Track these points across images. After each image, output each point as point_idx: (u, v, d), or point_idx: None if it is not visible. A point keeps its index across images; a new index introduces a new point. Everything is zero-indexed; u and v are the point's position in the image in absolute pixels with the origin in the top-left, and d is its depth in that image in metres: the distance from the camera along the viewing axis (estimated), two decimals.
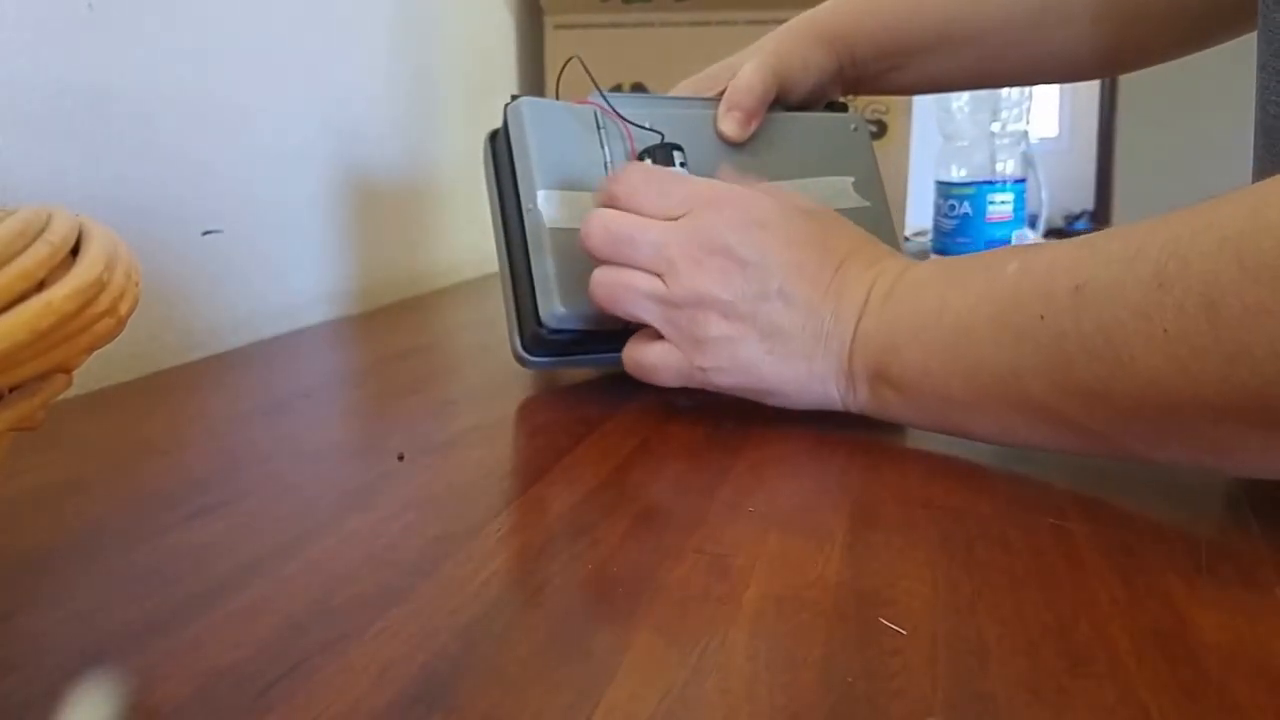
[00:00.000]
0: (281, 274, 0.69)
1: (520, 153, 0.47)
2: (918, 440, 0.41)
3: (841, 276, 0.39)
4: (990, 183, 0.97)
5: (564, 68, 0.53)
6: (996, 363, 0.32)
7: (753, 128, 0.52)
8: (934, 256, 0.93)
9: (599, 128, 0.49)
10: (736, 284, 0.39)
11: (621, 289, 0.41)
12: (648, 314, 0.41)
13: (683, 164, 0.47)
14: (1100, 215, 2.79)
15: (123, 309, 0.24)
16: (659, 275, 0.40)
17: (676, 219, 0.40)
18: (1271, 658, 0.23)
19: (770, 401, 0.41)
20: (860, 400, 0.39)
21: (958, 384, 0.34)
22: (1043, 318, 0.30)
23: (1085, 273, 0.30)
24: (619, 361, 0.50)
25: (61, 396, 0.24)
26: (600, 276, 0.41)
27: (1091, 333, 0.29)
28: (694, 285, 0.39)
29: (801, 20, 0.57)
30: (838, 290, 0.39)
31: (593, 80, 0.49)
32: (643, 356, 0.42)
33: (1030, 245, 0.36)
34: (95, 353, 0.24)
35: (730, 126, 0.51)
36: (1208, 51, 0.55)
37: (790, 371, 0.39)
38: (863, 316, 0.38)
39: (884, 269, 0.39)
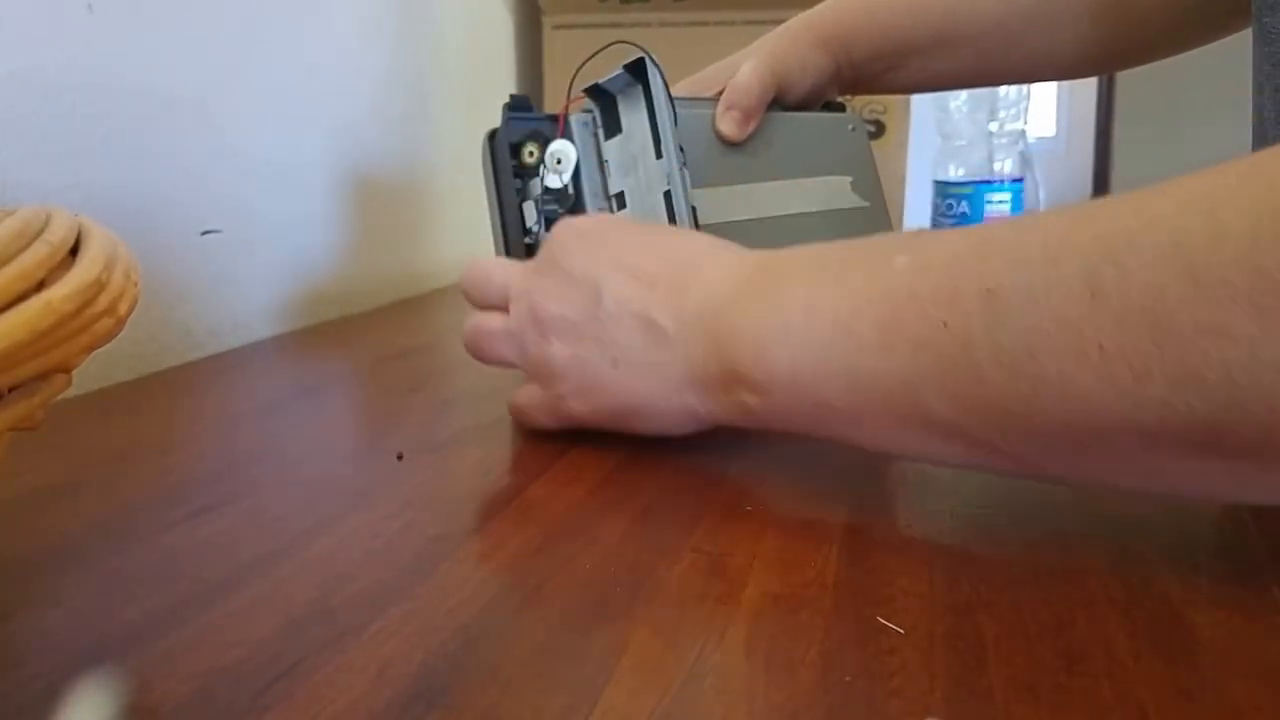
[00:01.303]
0: (281, 274, 0.69)
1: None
2: None
3: (685, 274, 0.35)
4: (988, 182, 0.97)
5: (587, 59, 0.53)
6: (885, 372, 0.28)
7: (751, 127, 0.52)
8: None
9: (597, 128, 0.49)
10: (571, 299, 0.37)
11: (478, 334, 0.40)
12: (507, 352, 0.39)
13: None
14: None
15: (122, 309, 0.24)
16: (506, 310, 0.39)
17: None
18: (1269, 657, 0.23)
19: (635, 426, 0.37)
20: (720, 409, 0.34)
21: (835, 392, 0.30)
22: (946, 325, 0.26)
23: (997, 274, 0.25)
24: None
25: (61, 396, 0.24)
26: (465, 327, 0.41)
27: (1009, 346, 0.25)
28: (531, 308, 0.38)
29: (799, 21, 0.57)
30: (681, 288, 0.35)
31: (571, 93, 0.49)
32: (515, 399, 0.41)
33: (916, 234, 0.32)
34: (95, 353, 0.24)
35: (728, 126, 0.51)
36: (1204, 51, 0.55)
37: (642, 386, 0.35)
38: (715, 314, 0.33)
39: (738, 262, 0.35)
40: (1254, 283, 0.21)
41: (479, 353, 0.41)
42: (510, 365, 0.40)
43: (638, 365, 0.35)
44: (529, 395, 0.40)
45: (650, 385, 0.35)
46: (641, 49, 0.46)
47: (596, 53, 0.50)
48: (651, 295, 0.35)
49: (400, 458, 0.38)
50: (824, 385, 0.30)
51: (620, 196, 0.47)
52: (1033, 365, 0.24)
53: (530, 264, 0.39)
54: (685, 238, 0.39)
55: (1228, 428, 0.22)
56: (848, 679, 0.23)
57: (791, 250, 0.34)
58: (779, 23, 0.58)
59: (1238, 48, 0.51)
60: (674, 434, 0.37)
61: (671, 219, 0.45)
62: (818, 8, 0.58)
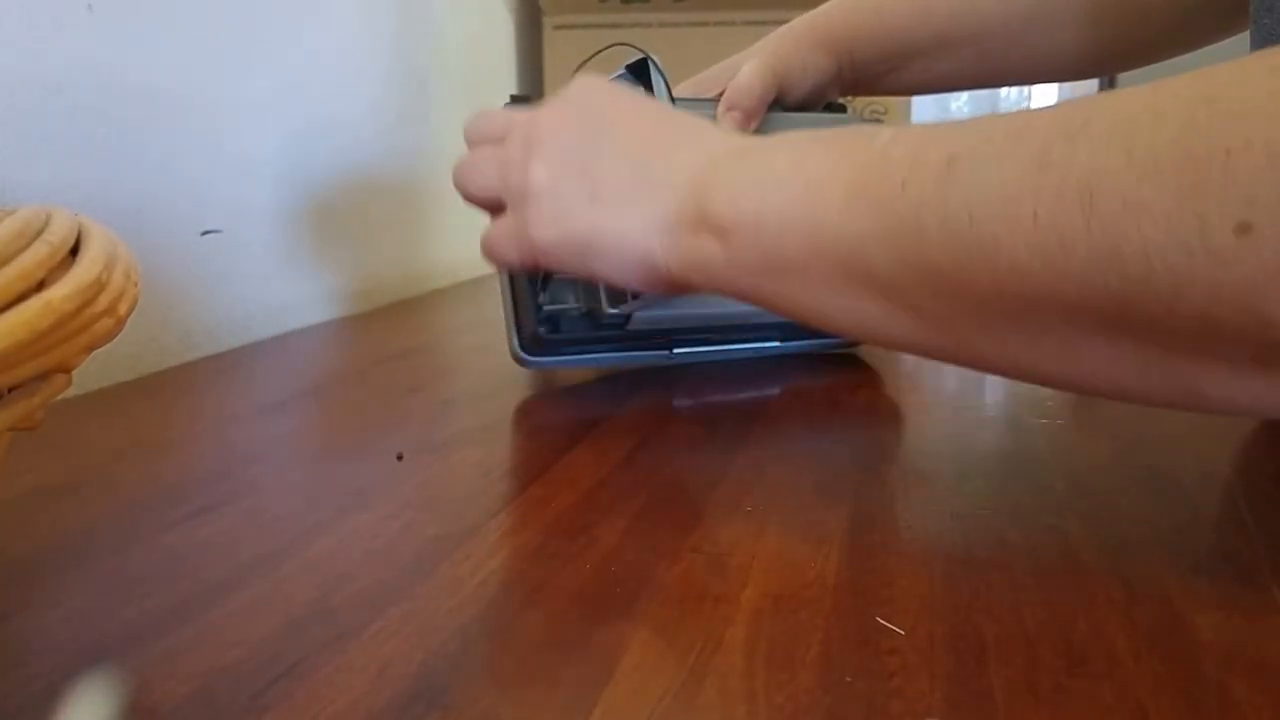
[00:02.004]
0: (280, 274, 0.69)
1: None
2: (916, 441, 0.41)
3: (687, 133, 0.37)
4: None
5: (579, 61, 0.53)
6: (842, 225, 0.29)
7: (751, 128, 0.52)
8: None
9: None
10: (573, 128, 0.37)
11: (467, 162, 0.40)
12: (490, 175, 0.39)
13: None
14: None
15: (122, 309, 0.24)
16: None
17: None
18: (1268, 657, 0.23)
19: (592, 265, 0.37)
20: (680, 253, 0.34)
21: (793, 242, 0.30)
22: (904, 185, 0.27)
23: (962, 146, 0.27)
24: (618, 362, 0.51)
25: (61, 396, 0.24)
26: (458, 163, 0.41)
27: (956, 208, 0.26)
28: (527, 134, 0.37)
29: (801, 22, 0.57)
30: (679, 143, 0.36)
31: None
32: (485, 234, 0.40)
33: (908, 126, 0.32)
34: (94, 353, 0.24)
35: (729, 127, 0.51)
36: (1204, 52, 0.55)
37: (611, 221, 0.35)
38: (702, 168, 0.34)
39: (735, 135, 0.36)
40: (1181, 165, 0.21)
41: (463, 182, 0.40)
42: (489, 200, 0.40)
43: (615, 202, 0.35)
44: (500, 224, 0.39)
45: (620, 224, 0.35)
46: (643, 51, 0.46)
47: (596, 54, 0.50)
48: (651, 142, 0.36)
49: (400, 458, 0.38)
50: (784, 235, 0.31)
51: None
52: (972, 229, 0.25)
53: (539, 106, 0.39)
54: (696, 118, 0.39)
55: (1138, 305, 0.23)
56: (848, 679, 0.23)
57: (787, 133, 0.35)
58: (780, 23, 0.58)
59: (1236, 49, 0.51)
60: (626, 284, 0.37)
61: None
62: (820, 8, 0.58)
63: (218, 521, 0.32)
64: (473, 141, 0.41)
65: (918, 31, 0.56)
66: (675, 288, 0.36)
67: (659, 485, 0.35)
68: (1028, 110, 0.27)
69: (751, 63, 0.53)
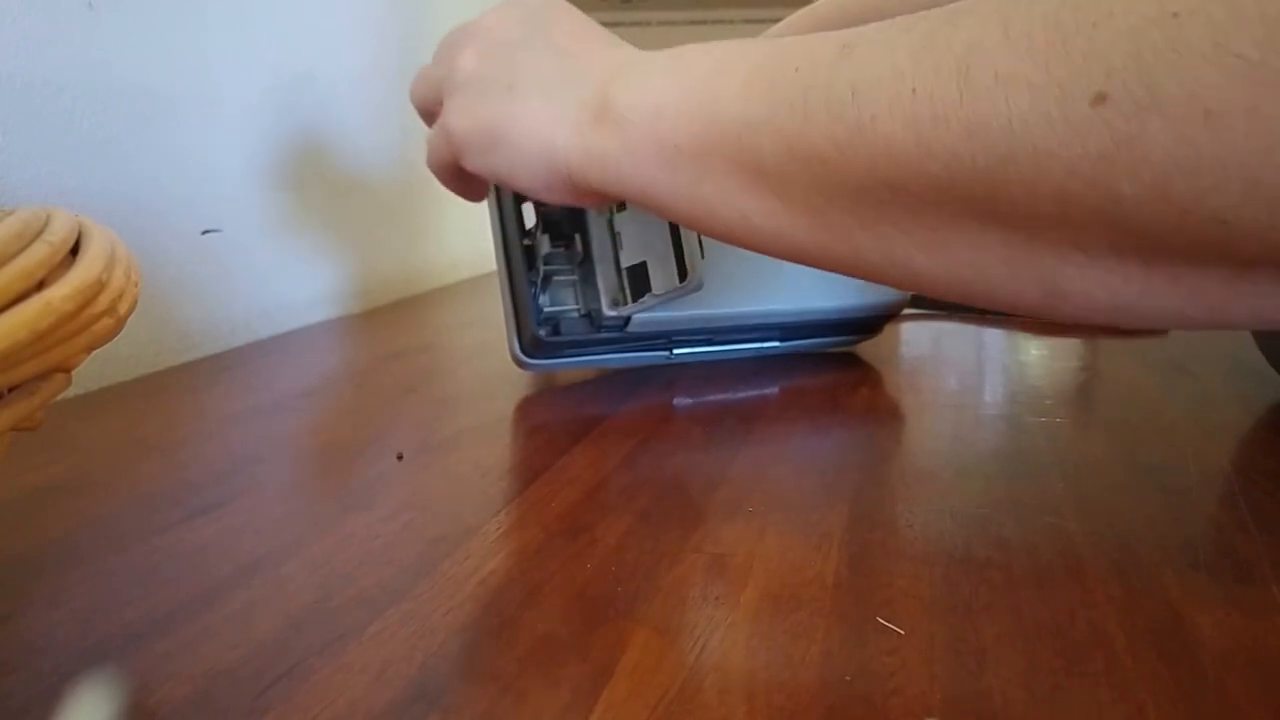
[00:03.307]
0: (280, 274, 0.69)
1: None
2: (915, 440, 0.41)
3: (613, 43, 0.37)
4: None
5: None
6: (735, 112, 0.29)
7: None
8: None
9: None
10: (506, 24, 0.37)
11: (416, 78, 0.41)
12: (427, 86, 0.40)
13: None
14: None
15: (122, 309, 0.24)
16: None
17: None
18: (1268, 655, 0.23)
19: (498, 156, 0.36)
20: (580, 146, 0.34)
21: (687, 129, 0.30)
22: (797, 70, 0.27)
23: (859, 35, 0.27)
24: (618, 363, 0.51)
25: (61, 396, 0.25)
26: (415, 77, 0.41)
27: (841, 89, 0.26)
28: (467, 30, 0.38)
29: (803, 16, 0.57)
30: (604, 47, 0.36)
31: None
32: (428, 142, 0.40)
33: None
34: (95, 353, 0.24)
35: None
36: None
37: (523, 111, 0.35)
38: (620, 63, 0.34)
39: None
40: (1050, 37, 0.21)
41: (412, 89, 0.41)
42: (426, 102, 0.40)
43: (530, 93, 0.35)
44: (436, 127, 0.39)
45: (529, 114, 0.35)
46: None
47: None
48: (581, 44, 0.36)
49: (400, 458, 0.38)
50: (680, 123, 0.31)
51: (621, 202, 0.47)
52: (854, 109, 0.25)
53: (490, 10, 0.39)
54: (611, 34, 0.39)
55: (1003, 184, 0.23)
56: (847, 679, 0.23)
57: None
58: (778, 20, 0.58)
59: None
60: (526, 183, 0.36)
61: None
62: (820, 2, 0.58)
63: (217, 522, 0.32)
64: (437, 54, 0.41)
65: None
66: (574, 191, 0.35)
67: (659, 485, 0.35)
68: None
69: None
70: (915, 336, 0.61)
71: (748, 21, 1.02)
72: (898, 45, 0.25)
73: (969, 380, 0.51)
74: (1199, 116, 0.19)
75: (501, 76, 0.36)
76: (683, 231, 0.44)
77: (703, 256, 0.44)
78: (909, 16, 0.26)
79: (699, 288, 0.44)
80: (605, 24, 0.40)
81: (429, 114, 0.41)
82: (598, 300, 0.46)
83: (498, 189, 0.49)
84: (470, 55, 0.37)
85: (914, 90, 0.24)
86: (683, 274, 0.44)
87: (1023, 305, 0.26)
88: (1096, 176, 0.21)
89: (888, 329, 0.59)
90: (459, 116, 0.37)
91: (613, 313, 0.46)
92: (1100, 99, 0.20)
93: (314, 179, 0.73)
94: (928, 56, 0.24)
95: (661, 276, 0.45)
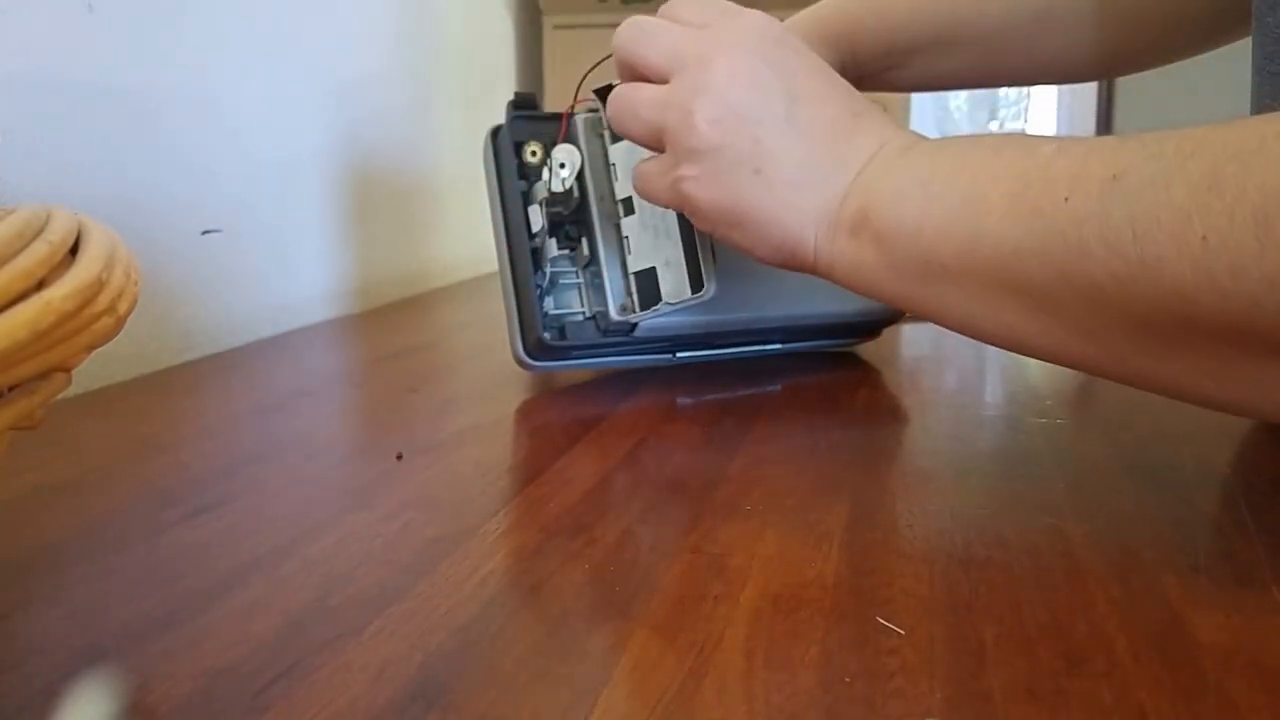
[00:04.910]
0: (280, 273, 0.69)
1: None
2: (916, 440, 0.41)
3: (857, 123, 0.36)
4: None
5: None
6: (1001, 236, 0.29)
7: None
8: None
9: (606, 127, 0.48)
10: (750, 88, 0.35)
11: (624, 97, 0.38)
12: (645, 121, 0.38)
13: None
14: None
15: (122, 308, 0.24)
16: (669, 79, 0.37)
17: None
18: (1268, 657, 0.23)
19: (737, 235, 0.37)
20: (835, 250, 0.34)
21: (951, 250, 0.31)
22: (1067, 199, 0.27)
23: (1127, 162, 0.26)
24: (619, 363, 0.50)
25: (61, 396, 0.24)
26: (615, 93, 0.39)
27: (1119, 225, 0.26)
28: (699, 80, 0.36)
29: (803, 17, 0.57)
30: (849, 134, 0.35)
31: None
32: (639, 167, 0.40)
33: (1068, 138, 0.32)
34: (94, 352, 0.24)
35: None
36: (1205, 57, 0.55)
37: (771, 200, 0.35)
38: (869, 164, 0.34)
39: (902, 132, 0.36)
40: None
41: (621, 120, 0.39)
42: (645, 140, 0.39)
43: (779, 184, 0.35)
44: (657, 162, 0.38)
45: (779, 206, 0.35)
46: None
47: (609, 56, 0.50)
48: (827, 131, 0.35)
49: (400, 458, 0.38)
50: (943, 242, 0.31)
51: (628, 201, 0.47)
52: (1135, 247, 0.25)
53: (712, 35, 0.37)
54: (851, 92, 0.38)
55: None
56: (847, 680, 0.23)
57: (955, 135, 0.35)
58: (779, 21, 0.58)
59: (1237, 51, 0.51)
60: (764, 259, 0.37)
61: (682, 224, 0.44)
62: (822, 4, 0.58)
63: (217, 521, 0.32)
64: (628, 65, 0.39)
65: (919, 29, 0.56)
66: (814, 273, 0.36)
67: (659, 485, 0.35)
68: (1195, 128, 0.27)
69: None
70: (915, 337, 0.61)
71: None
72: (1174, 178, 0.25)
73: (969, 381, 0.51)
74: None
75: (746, 158, 0.35)
76: (698, 239, 0.44)
77: (715, 264, 0.44)
78: (1174, 135, 0.26)
79: (711, 296, 0.44)
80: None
81: (644, 142, 0.39)
82: (604, 304, 0.46)
83: (501, 184, 0.49)
84: (708, 124, 0.35)
85: (1205, 238, 0.24)
86: (697, 284, 0.44)
87: None
88: None
89: (887, 330, 0.59)
90: (701, 188, 0.36)
91: (620, 319, 0.46)
92: None
93: (314, 178, 0.73)
94: (1215, 199, 0.23)
95: (672, 283, 0.44)
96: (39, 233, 0.23)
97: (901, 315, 0.56)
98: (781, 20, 0.57)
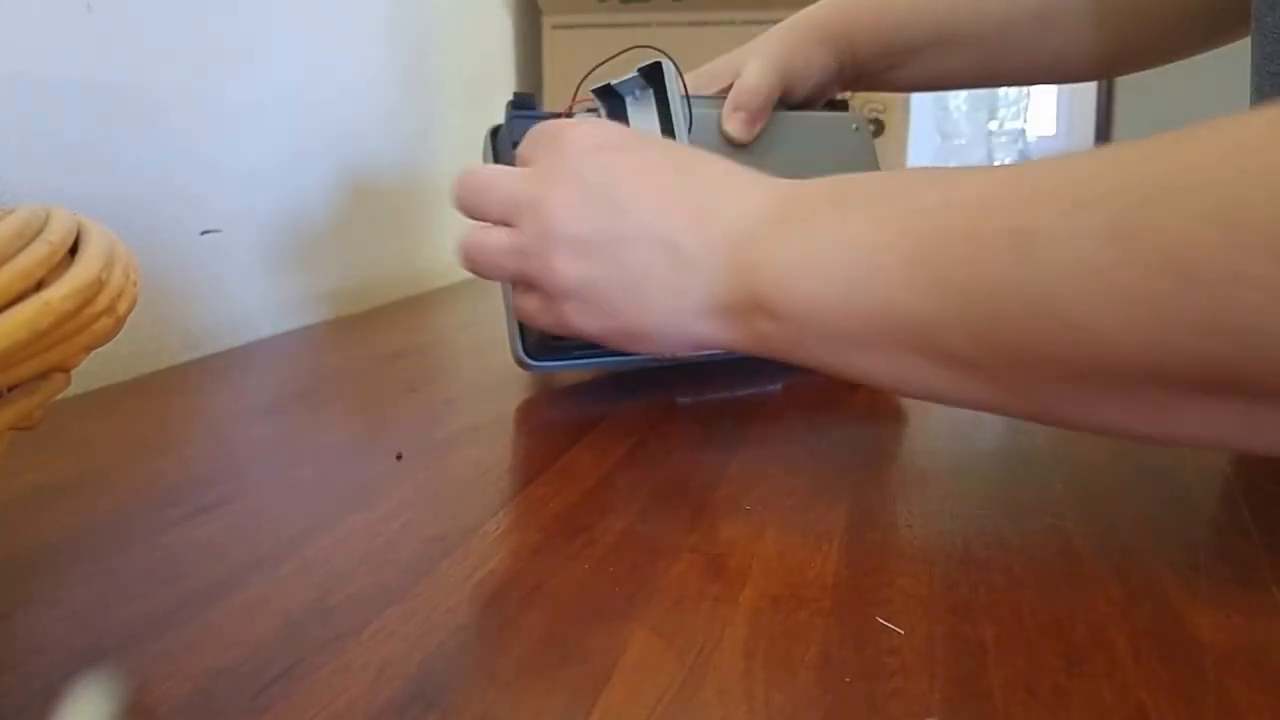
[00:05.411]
0: (280, 273, 0.69)
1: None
2: (915, 440, 0.41)
3: (712, 200, 0.35)
4: None
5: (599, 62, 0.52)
6: (909, 308, 0.28)
7: (758, 129, 0.52)
8: None
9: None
10: (590, 217, 0.35)
11: (476, 249, 0.38)
12: (506, 271, 0.38)
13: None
14: None
15: (121, 308, 0.24)
16: (512, 225, 0.37)
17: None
18: (1268, 657, 0.23)
19: (640, 348, 0.37)
20: (733, 334, 0.34)
21: (857, 323, 0.30)
22: (973, 263, 0.26)
23: (1026, 215, 0.26)
24: (620, 364, 0.50)
25: (60, 396, 0.24)
26: (462, 241, 0.39)
27: (1034, 290, 0.25)
28: (540, 224, 0.36)
29: (802, 18, 0.57)
30: (708, 215, 0.34)
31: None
32: (517, 303, 0.39)
33: (947, 172, 0.31)
34: (94, 352, 0.24)
35: (736, 127, 0.51)
36: (1205, 56, 0.55)
37: (654, 312, 0.35)
38: (740, 244, 0.33)
39: (764, 190, 0.35)
40: (1277, 229, 0.21)
41: (476, 268, 0.39)
42: (508, 279, 0.39)
43: (654, 294, 0.35)
44: (531, 304, 0.38)
45: (664, 311, 0.35)
46: (664, 53, 0.46)
47: (614, 56, 0.50)
48: (675, 219, 0.35)
49: (399, 457, 0.38)
50: (844, 316, 0.30)
51: None
52: (1056, 308, 0.25)
53: (537, 172, 0.37)
54: (704, 160, 0.38)
55: (1247, 371, 0.22)
56: (847, 680, 0.22)
57: (816, 181, 0.34)
58: (777, 22, 0.58)
59: (1237, 51, 0.51)
60: (679, 355, 0.37)
61: None
62: (821, 4, 0.58)
63: (217, 521, 0.32)
64: (471, 215, 0.39)
65: (919, 29, 0.56)
66: (730, 351, 0.36)
67: (659, 484, 0.35)
68: (1072, 160, 0.26)
69: (757, 62, 0.53)
70: None
71: (748, 23, 1.02)
72: (1082, 233, 0.24)
73: None
74: None
75: (615, 283, 0.35)
76: None
77: None
78: (1075, 183, 0.25)
79: None
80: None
81: (503, 279, 0.40)
82: None
83: None
84: (566, 264, 0.35)
85: (1128, 294, 0.23)
86: None
87: (1260, 451, 0.26)
88: None
89: None
90: (587, 321, 0.36)
91: None
92: None
93: (313, 179, 0.73)
94: (1131, 252, 0.23)
95: None
96: (38, 233, 0.23)
97: None
98: (782, 20, 0.58)
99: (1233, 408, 0.24)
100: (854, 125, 0.58)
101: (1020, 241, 0.25)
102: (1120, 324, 0.24)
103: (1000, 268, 0.26)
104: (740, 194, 0.35)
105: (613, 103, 0.48)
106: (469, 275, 0.40)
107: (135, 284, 0.26)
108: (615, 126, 0.38)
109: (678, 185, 0.36)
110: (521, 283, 0.38)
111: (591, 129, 0.38)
